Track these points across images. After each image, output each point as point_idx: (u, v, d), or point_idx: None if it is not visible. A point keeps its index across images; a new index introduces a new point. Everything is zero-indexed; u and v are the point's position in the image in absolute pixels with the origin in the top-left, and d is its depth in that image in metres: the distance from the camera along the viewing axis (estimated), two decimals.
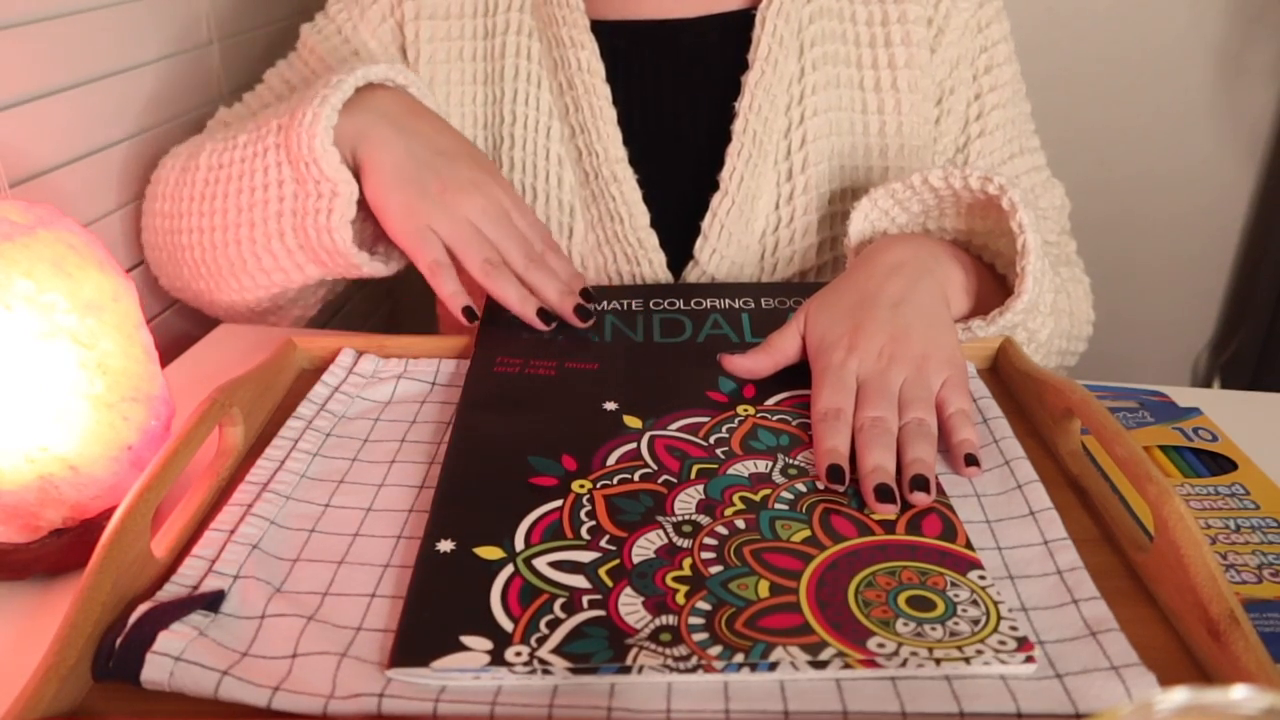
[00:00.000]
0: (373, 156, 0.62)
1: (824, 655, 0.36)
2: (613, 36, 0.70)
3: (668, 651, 0.37)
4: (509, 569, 0.41)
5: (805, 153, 0.70)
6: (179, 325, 0.82)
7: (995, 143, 0.73)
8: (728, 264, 0.71)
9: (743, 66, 0.69)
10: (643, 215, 0.70)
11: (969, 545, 0.43)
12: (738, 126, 0.69)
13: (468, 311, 0.60)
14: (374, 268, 0.66)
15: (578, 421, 0.52)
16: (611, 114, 0.69)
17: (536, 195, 0.72)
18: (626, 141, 0.70)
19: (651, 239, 0.70)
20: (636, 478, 0.47)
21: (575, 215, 0.72)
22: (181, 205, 0.69)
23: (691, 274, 0.71)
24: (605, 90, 0.69)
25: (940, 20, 0.71)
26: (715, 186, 0.69)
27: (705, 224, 0.70)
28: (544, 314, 0.60)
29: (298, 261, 0.65)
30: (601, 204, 0.71)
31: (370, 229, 0.68)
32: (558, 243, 0.69)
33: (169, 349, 0.68)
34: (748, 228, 0.70)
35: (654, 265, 0.70)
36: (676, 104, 0.72)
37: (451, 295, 0.60)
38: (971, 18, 0.72)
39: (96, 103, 0.72)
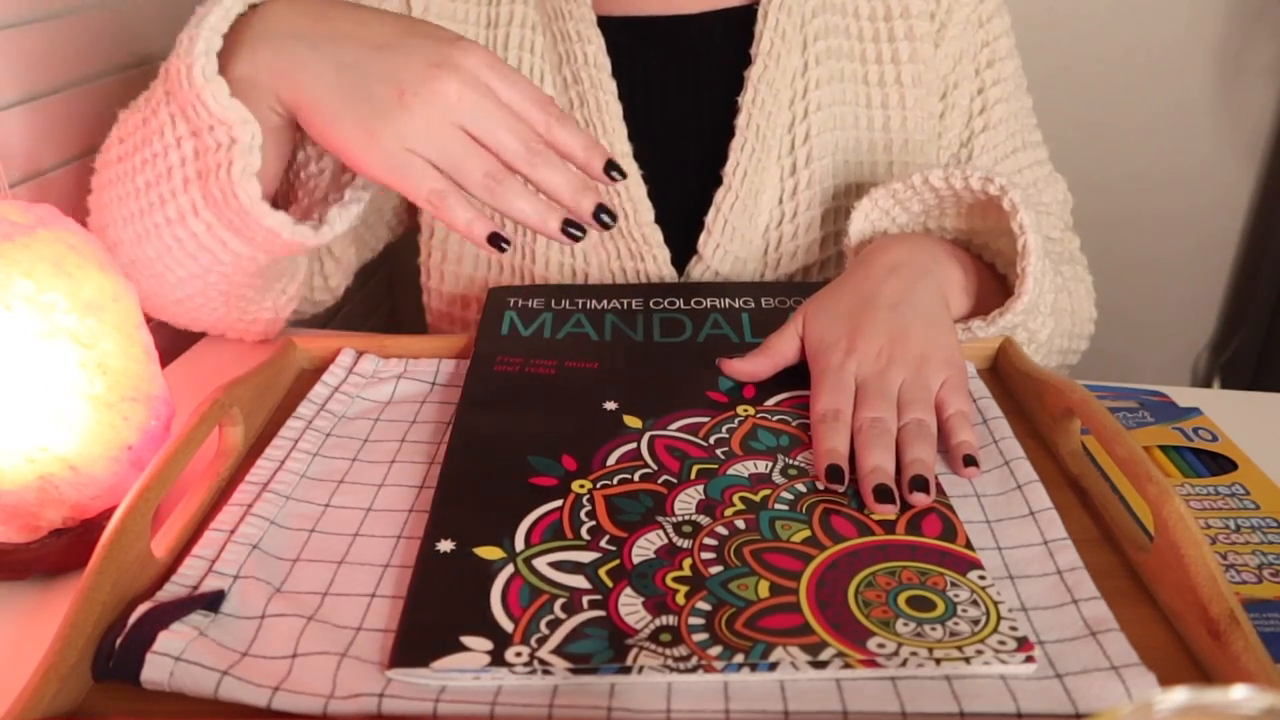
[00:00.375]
0: (299, 88, 0.50)
1: (824, 655, 0.36)
2: (616, 31, 0.70)
3: (668, 652, 0.37)
4: (509, 569, 0.41)
5: (809, 147, 0.70)
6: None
7: (999, 137, 0.73)
8: (731, 259, 0.71)
9: (746, 61, 0.69)
10: (647, 211, 0.70)
11: (969, 545, 0.43)
12: (741, 121, 0.69)
13: (494, 239, 0.49)
14: (298, 233, 0.53)
15: (578, 421, 0.52)
16: (617, 109, 0.69)
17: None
18: (630, 137, 0.70)
19: (656, 235, 0.70)
20: (636, 478, 0.47)
21: None
22: (102, 196, 0.59)
23: (695, 270, 0.71)
24: (611, 85, 0.69)
25: (943, 15, 0.72)
26: (719, 182, 0.69)
27: (709, 219, 0.70)
28: (569, 226, 0.50)
29: (220, 238, 0.54)
30: (605, 199, 0.71)
31: (316, 184, 0.57)
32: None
33: (169, 349, 0.68)
34: (751, 223, 0.70)
35: (658, 261, 0.70)
36: (680, 99, 0.72)
37: (468, 225, 0.49)
38: (973, 12, 0.73)
39: (96, 103, 0.72)
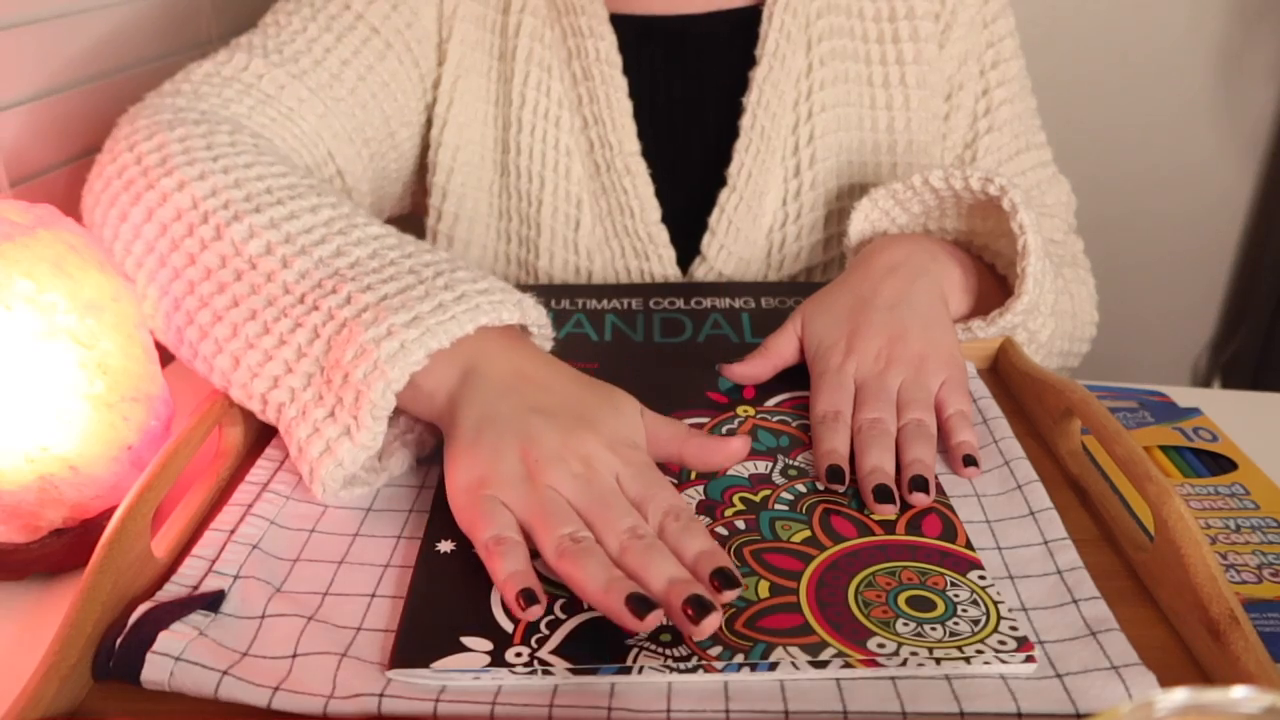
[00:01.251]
0: (457, 410, 0.45)
1: (824, 655, 0.36)
2: (624, 29, 0.70)
3: (668, 652, 0.37)
4: None
5: (813, 148, 0.70)
6: None
7: (1003, 138, 0.73)
8: (735, 260, 0.71)
9: (751, 62, 0.69)
10: (654, 210, 0.70)
11: (969, 545, 0.43)
12: (745, 122, 0.69)
13: (526, 594, 0.38)
14: (333, 500, 0.48)
15: None
16: (627, 106, 0.69)
17: (544, 183, 0.72)
18: (638, 135, 0.70)
19: (662, 234, 0.70)
20: None
21: (582, 208, 0.72)
22: (162, 241, 0.51)
23: (699, 270, 0.71)
24: (622, 82, 0.69)
25: (948, 16, 0.71)
26: (723, 182, 0.69)
27: (713, 220, 0.70)
28: (638, 601, 0.37)
29: (267, 417, 0.49)
30: (612, 197, 0.71)
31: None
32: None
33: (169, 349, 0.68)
34: (755, 223, 0.70)
35: (663, 261, 0.70)
36: (685, 99, 0.72)
37: (507, 579, 0.39)
38: (978, 13, 0.72)
39: (96, 102, 0.72)
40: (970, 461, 0.48)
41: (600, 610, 0.38)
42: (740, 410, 0.53)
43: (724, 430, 0.51)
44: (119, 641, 0.38)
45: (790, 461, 0.49)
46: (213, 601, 0.40)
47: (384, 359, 0.44)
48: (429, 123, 0.74)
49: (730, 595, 0.38)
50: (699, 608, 0.36)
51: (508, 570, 0.39)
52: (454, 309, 0.46)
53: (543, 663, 0.36)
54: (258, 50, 0.65)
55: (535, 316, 0.50)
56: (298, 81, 0.64)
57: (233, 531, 0.44)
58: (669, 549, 0.40)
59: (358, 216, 0.53)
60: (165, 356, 0.53)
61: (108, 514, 0.49)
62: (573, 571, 0.39)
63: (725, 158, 0.69)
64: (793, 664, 0.36)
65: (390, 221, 0.80)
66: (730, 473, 0.48)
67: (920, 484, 0.46)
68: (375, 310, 0.46)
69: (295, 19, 0.67)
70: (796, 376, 0.56)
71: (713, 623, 0.36)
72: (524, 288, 0.67)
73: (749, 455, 0.49)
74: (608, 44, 0.69)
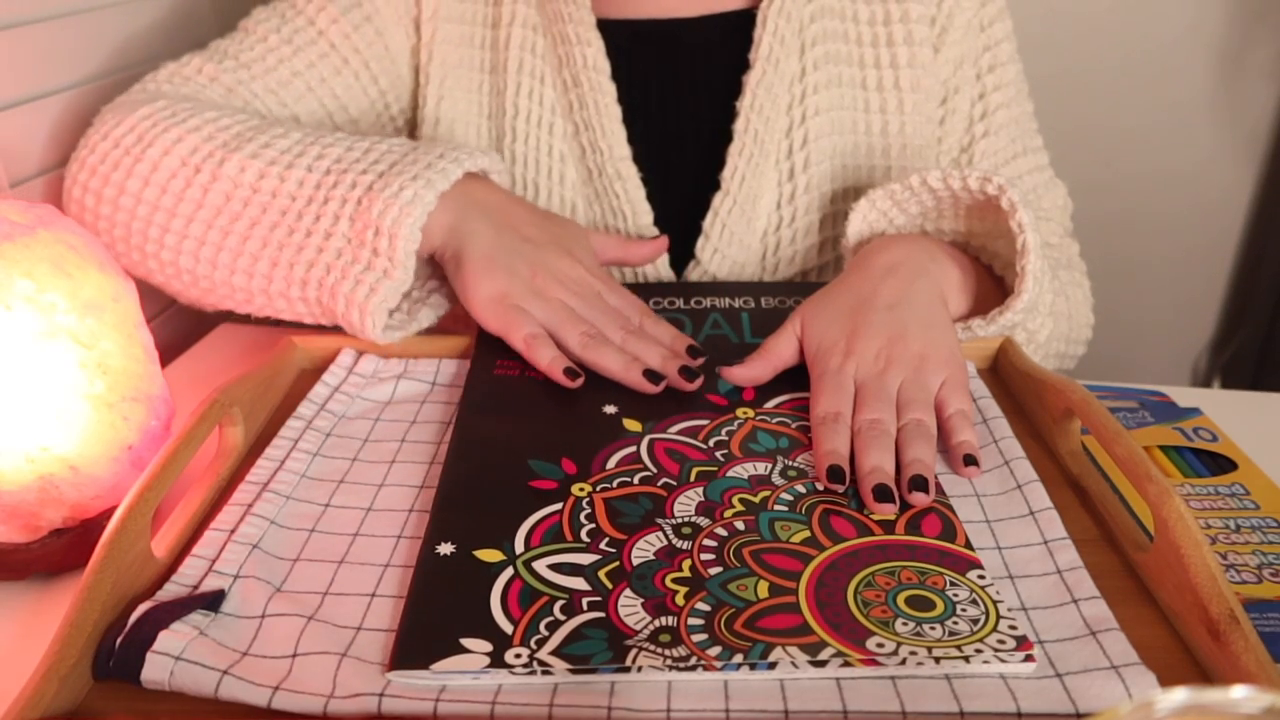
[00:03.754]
0: (463, 249, 0.60)
1: (823, 655, 0.36)
2: (616, 34, 0.70)
3: (667, 652, 0.37)
4: (509, 571, 0.41)
5: (807, 152, 0.70)
6: (179, 325, 0.82)
7: (999, 142, 0.73)
8: (729, 263, 0.71)
9: (744, 66, 0.69)
10: (646, 214, 0.70)
11: (968, 545, 0.43)
12: (739, 126, 0.69)
13: (569, 372, 0.55)
14: (371, 334, 0.60)
15: (578, 425, 0.52)
16: (616, 112, 0.69)
17: (539, 191, 0.72)
18: (629, 140, 0.70)
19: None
20: (636, 481, 0.47)
21: (577, 213, 0.72)
22: (166, 198, 0.61)
23: (693, 273, 0.71)
24: (610, 88, 0.69)
25: (943, 19, 0.71)
26: (717, 186, 0.69)
27: (706, 223, 0.70)
28: (650, 374, 0.55)
29: (300, 312, 0.61)
30: (604, 202, 0.71)
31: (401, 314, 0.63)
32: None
33: (169, 349, 0.68)
34: (749, 227, 0.70)
35: (656, 265, 0.70)
36: (678, 103, 0.72)
37: (551, 362, 0.56)
38: (974, 16, 0.72)
39: (96, 103, 0.72)
40: (970, 461, 0.48)
41: (624, 382, 0.55)
42: (740, 412, 0.53)
43: (724, 432, 0.51)
44: (119, 641, 0.38)
45: (790, 463, 0.49)
46: (213, 601, 0.40)
47: (406, 203, 0.57)
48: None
49: (699, 361, 0.57)
50: (689, 375, 0.55)
51: (549, 357, 0.56)
52: (441, 164, 0.60)
53: (542, 663, 0.36)
54: (216, 55, 0.71)
55: (495, 163, 0.65)
56: (245, 86, 0.70)
57: (233, 531, 0.45)
58: (651, 338, 0.58)
59: (321, 130, 0.64)
60: (165, 357, 0.53)
61: (108, 514, 0.49)
62: (597, 358, 0.56)
63: (719, 162, 0.69)
64: (792, 664, 0.36)
65: None
66: (730, 474, 0.48)
67: (920, 484, 0.46)
68: (384, 179, 0.58)
69: (261, 27, 0.73)
70: (796, 378, 0.56)
71: (698, 384, 0.55)
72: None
73: (749, 457, 0.49)
74: (595, 50, 0.69)
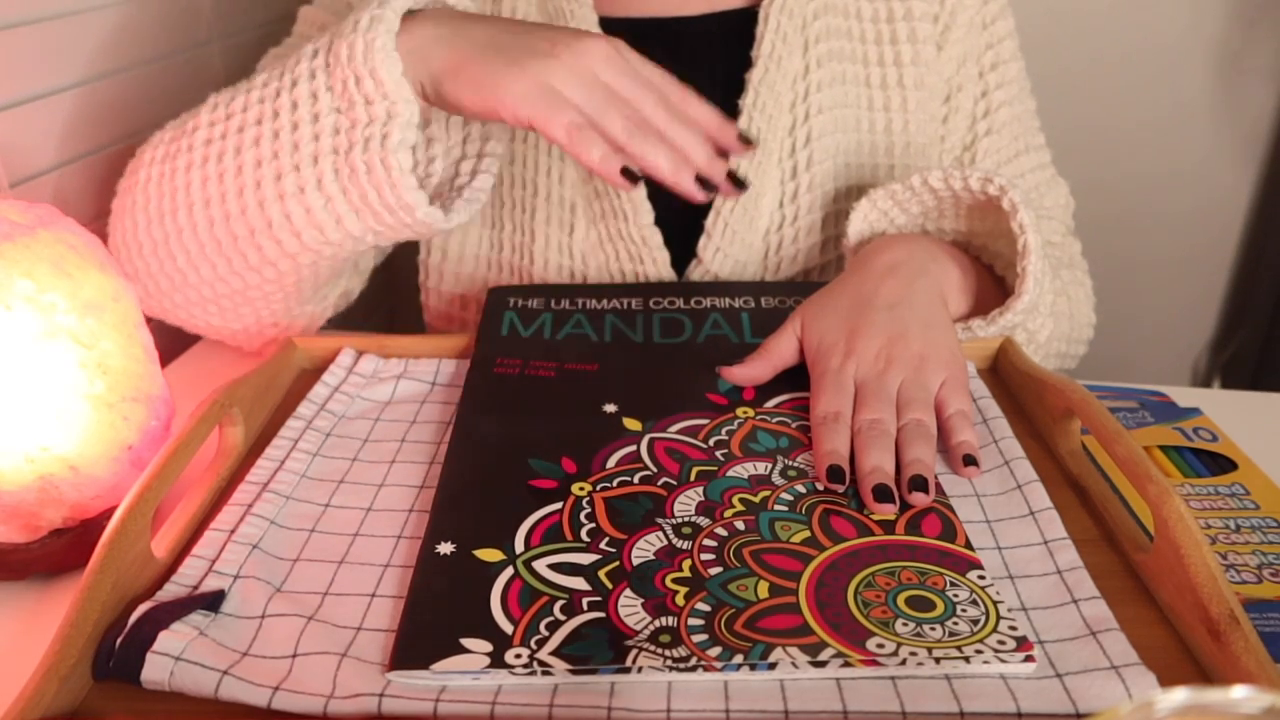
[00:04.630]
0: (456, 50, 0.53)
1: (823, 656, 0.36)
2: (617, 32, 0.70)
3: (667, 653, 0.37)
4: (509, 571, 0.41)
5: (810, 150, 0.70)
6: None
7: (1002, 141, 0.73)
8: (731, 262, 0.71)
9: (747, 64, 0.69)
10: (647, 213, 0.70)
11: (968, 545, 0.43)
12: (741, 124, 0.69)
13: (628, 173, 0.51)
14: (430, 215, 0.55)
15: (578, 424, 0.52)
16: None
17: (537, 190, 0.72)
18: None
19: (655, 237, 0.70)
20: (636, 480, 0.47)
21: (577, 212, 0.72)
22: (175, 180, 0.58)
23: (695, 273, 0.71)
24: None
25: (947, 17, 0.71)
26: None
27: (709, 222, 0.69)
28: (700, 180, 0.52)
29: (337, 212, 0.55)
30: (605, 201, 0.71)
31: (432, 178, 0.60)
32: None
33: (169, 349, 0.68)
34: (751, 226, 0.70)
35: (657, 264, 0.70)
36: None
37: (602, 160, 0.51)
38: (977, 14, 0.72)
39: (96, 103, 0.72)
40: (970, 461, 0.48)
41: (672, 185, 0.52)
42: (740, 411, 0.53)
43: (724, 431, 0.51)
44: (119, 641, 0.38)
45: (790, 462, 0.49)
46: (213, 601, 0.40)
47: (366, 29, 0.52)
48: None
49: (750, 149, 0.56)
50: (737, 183, 0.53)
51: (599, 153, 0.51)
52: None
53: (542, 664, 0.36)
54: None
55: None
56: None
57: (233, 531, 0.45)
58: (695, 123, 0.55)
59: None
60: (165, 357, 0.53)
61: (108, 514, 0.49)
62: (644, 153, 0.52)
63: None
64: (792, 664, 0.36)
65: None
66: (730, 474, 0.48)
67: (920, 484, 0.46)
68: (336, 35, 0.54)
69: (271, 60, 0.72)
70: (796, 377, 0.56)
71: (746, 190, 0.55)
72: (523, 288, 0.67)
73: (749, 457, 0.49)
74: None
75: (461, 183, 0.61)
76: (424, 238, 0.60)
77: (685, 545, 0.43)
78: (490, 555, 0.42)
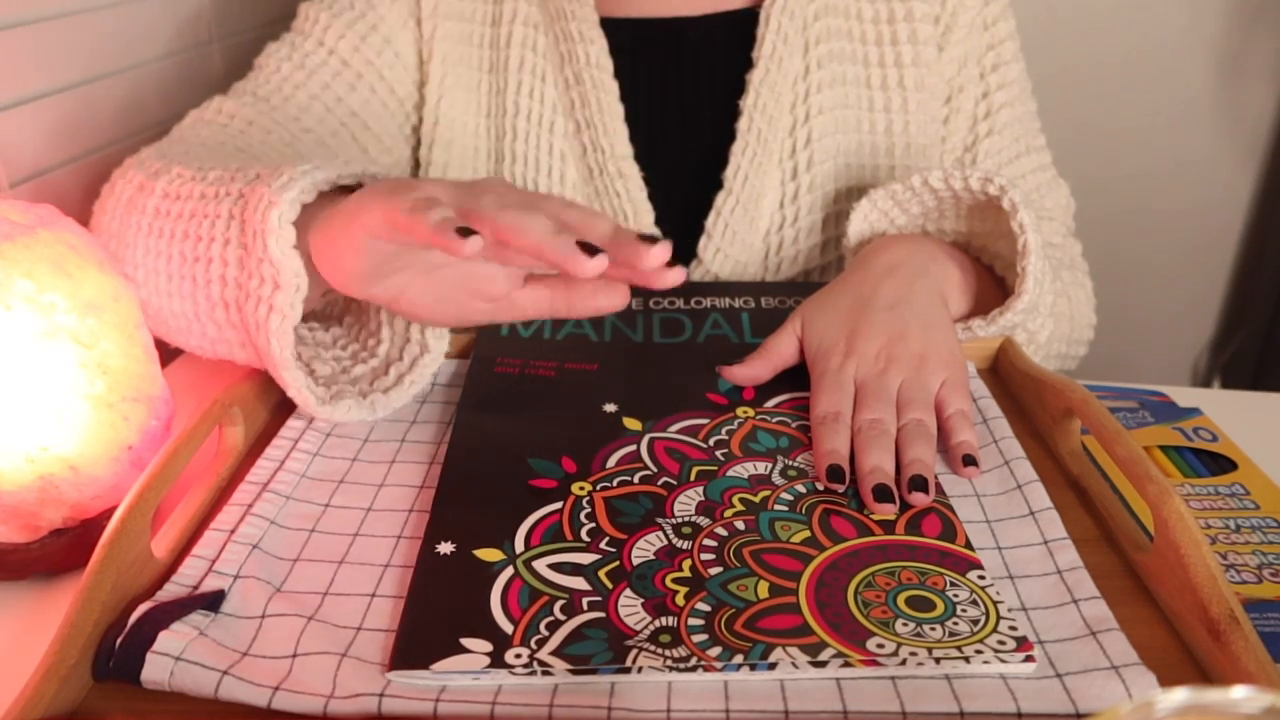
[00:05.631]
0: (326, 212, 0.48)
1: (823, 656, 0.36)
2: (618, 33, 0.70)
3: (667, 653, 0.37)
4: (509, 571, 0.41)
5: (810, 151, 0.70)
6: None
7: (1003, 142, 0.73)
8: (731, 263, 0.71)
9: (748, 64, 0.69)
10: (647, 213, 0.70)
11: (969, 545, 0.43)
12: (742, 125, 0.69)
13: (464, 230, 0.40)
14: (305, 396, 0.51)
15: (578, 423, 0.52)
16: (618, 110, 0.69)
17: (539, 189, 0.72)
18: (631, 139, 0.70)
19: None
20: (636, 480, 0.47)
21: None
22: (128, 232, 0.56)
23: (695, 273, 0.71)
24: (613, 86, 0.69)
25: (948, 18, 0.71)
26: (720, 185, 0.69)
27: (709, 223, 0.70)
28: (585, 245, 0.41)
29: (232, 345, 0.53)
30: (605, 201, 0.71)
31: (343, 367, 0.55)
32: None
33: (169, 349, 0.68)
34: (752, 226, 0.70)
35: None
36: (681, 102, 0.72)
37: (439, 224, 0.40)
38: (978, 15, 0.72)
39: (96, 103, 0.72)
40: (970, 461, 0.48)
41: (546, 253, 0.41)
42: (740, 411, 0.53)
43: (724, 431, 0.51)
44: (119, 641, 0.38)
45: (790, 462, 0.49)
46: (213, 601, 0.40)
47: (280, 187, 0.48)
48: (418, 143, 0.74)
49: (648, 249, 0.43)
50: (650, 239, 0.43)
51: (436, 218, 0.40)
52: (315, 173, 0.50)
53: (542, 664, 0.36)
54: (234, 93, 0.70)
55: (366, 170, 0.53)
56: (266, 116, 0.68)
57: (233, 531, 0.44)
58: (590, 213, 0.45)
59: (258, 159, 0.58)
60: (165, 357, 0.53)
61: (108, 514, 0.49)
62: (516, 220, 0.42)
63: (722, 161, 0.69)
64: (792, 664, 0.36)
65: None
66: (730, 474, 0.48)
67: (920, 484, 0.46)
68: (253, 187, 0.50)
69: (274, 60, 0.72)
70: (796, 377, 0.56)
71: (662, 251, 0.43)
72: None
73: (749, 457, 0.49)
74: (598, 48, 0.69)
75: (384, 384, 0.56)
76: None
77: (685, 545, 0.43)
78: (490, 555, 0.42)
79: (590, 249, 0.40)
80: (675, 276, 0.44)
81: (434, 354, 0.57)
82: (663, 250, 0.42)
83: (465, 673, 0.36)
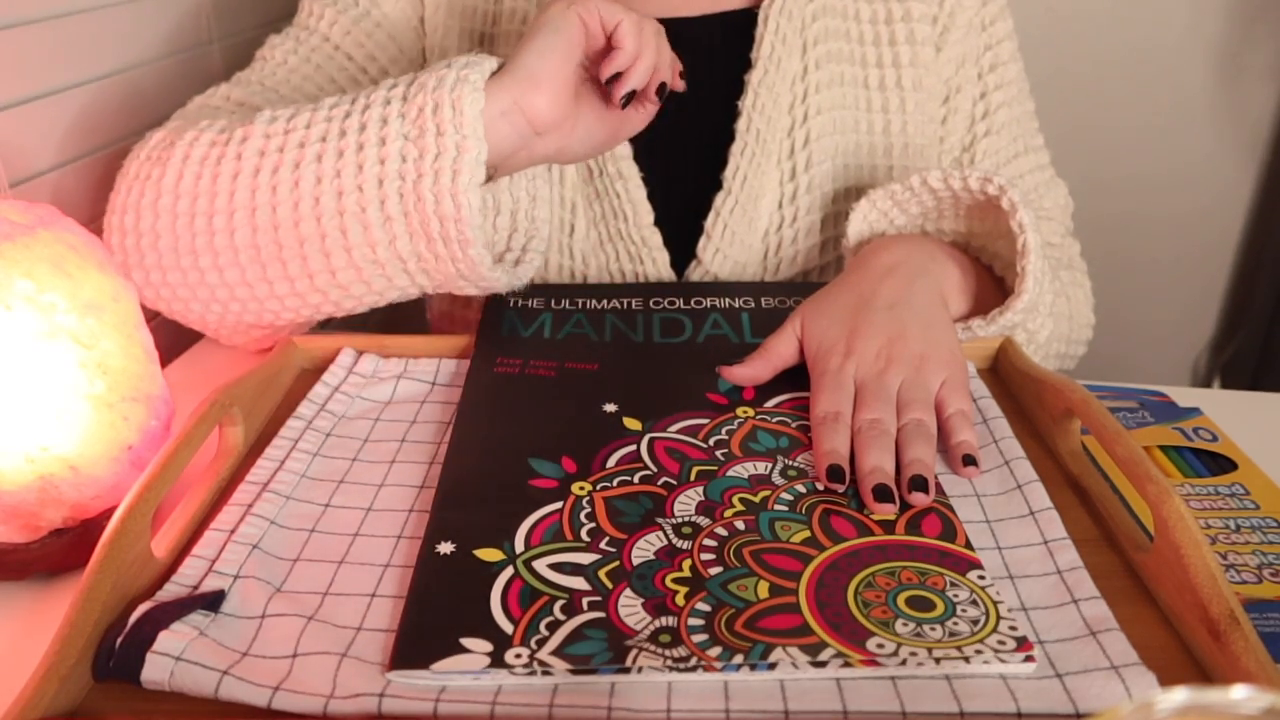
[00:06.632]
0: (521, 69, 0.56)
1: (823, 656, 0.36)
2: None
3: (667, 653, 0.37)
4: (509, 571, 0.41)
5: (809, 151, 0.70)
6: (179, 325, 0.82)
7: (1001, 142, 0.73)
8: (730, 263, 0.71)
9: (746, 65, 0.69)
10: (647, 213, 0.70)
11: (968, 545, 0.43)
12: (741, 125, 0.69)
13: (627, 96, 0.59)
14: (480, 256, 0.56)
15: (578, 423, 0.52)
16: None
17: (537, 189, 0.72)
18: (631, 139, 0.70)
19: (655, 237, 0.70)
20: (636, 480, 0.47)
21: (577, 212, 0.72)
22: (218, 184, 0.56)
23: (694, 273, 0.71)
24: None
25: (945, 18, 0.71)
26: (719, 185, 0.69)
27: (708, 223, 0.70)
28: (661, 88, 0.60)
29: (393, 233, 0.55)
30: (605, 201, 0.71)
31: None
32: (559, 240, 0.69)
33: (169, 349, 0.68)
34: (751, 227, 0.70)
35: (657, 264, 0.70)
36: (680, 102, 0.72)
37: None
38: (975, 15, 0.72)
39: (96, 103, 0.72)
40: (970, 461, 0.48)
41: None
42: (740, 411, 0.53)
43: (724, 431, 0.51)
44: (119, 641, 0.38)
45: (790, 462, 0.49)
46: (213, 601, 0.40)
47: (461, 68, 0.55)
48: None
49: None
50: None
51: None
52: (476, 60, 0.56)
53: (542, 664, 0.36)
54: (240, 83, 0.70)
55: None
56: (270, 106, 0.65)
57: (233, 531, 0.44)
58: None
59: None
60: (165, 357, 0.53)
61: (108, 514, 0.49)
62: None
63: (721, 161, 0.69)
64: (792, 664, 0.36)
65: None
66: (730, 474, 0.48)
67: (920, 484, 0.46)
68: (418, 76, 0.56)
69: (278, 52, 0.73)
70: (796, 377, 0.56)
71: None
72: (524, 288, 0.67)
73: (749, 457, 0.49)
74: None
75: (510, 256, 0.65)
76: (455, 289, 0.60)
77: (685, 545, 0.43)
78: (490, 555, 0.42)
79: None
80: None
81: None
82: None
83: (465, 673, 0.36)
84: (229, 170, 0.57)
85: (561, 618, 0.39)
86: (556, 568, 0.41)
